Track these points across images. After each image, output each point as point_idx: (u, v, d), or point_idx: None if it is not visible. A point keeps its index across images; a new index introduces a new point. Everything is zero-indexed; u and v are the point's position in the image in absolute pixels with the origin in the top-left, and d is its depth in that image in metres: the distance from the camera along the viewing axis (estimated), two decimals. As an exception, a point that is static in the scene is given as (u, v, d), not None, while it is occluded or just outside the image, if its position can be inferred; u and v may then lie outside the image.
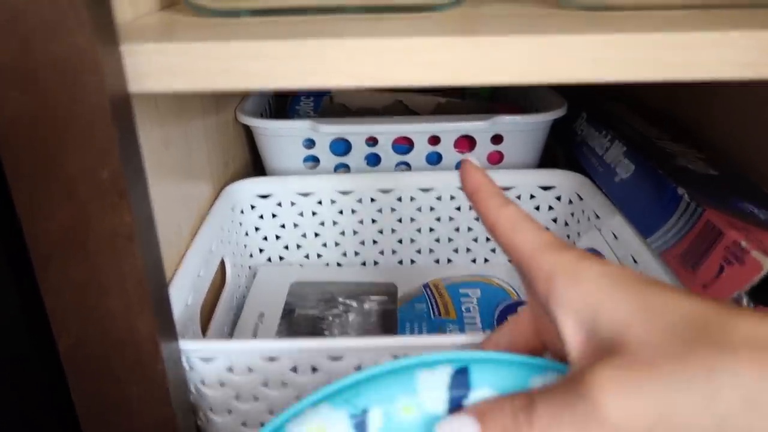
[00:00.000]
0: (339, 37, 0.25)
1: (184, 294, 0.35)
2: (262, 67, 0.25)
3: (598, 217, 0.46)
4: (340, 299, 0.46)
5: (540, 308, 0.24)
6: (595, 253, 0.44)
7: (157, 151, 0.36)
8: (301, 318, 0.44)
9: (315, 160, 0.54)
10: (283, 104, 0.65)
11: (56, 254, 0.25)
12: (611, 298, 0.21)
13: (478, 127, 0.52)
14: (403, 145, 0.54)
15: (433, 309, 0.44)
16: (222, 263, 0.46)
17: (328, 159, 0.54)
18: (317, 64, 0.25)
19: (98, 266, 0.25)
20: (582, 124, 0.55)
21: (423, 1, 0.32)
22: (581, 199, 0.49)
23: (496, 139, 0.54)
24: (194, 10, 0.31)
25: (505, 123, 0.52)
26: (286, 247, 0.52)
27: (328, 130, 0.51)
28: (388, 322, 0.44)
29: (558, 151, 0.63)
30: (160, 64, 0.25)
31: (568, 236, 0.51)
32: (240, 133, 0.57)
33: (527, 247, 0.24)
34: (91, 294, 0.26)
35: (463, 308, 0.44)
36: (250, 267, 0.52)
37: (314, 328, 0.43)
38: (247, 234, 0.51)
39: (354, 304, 0.46)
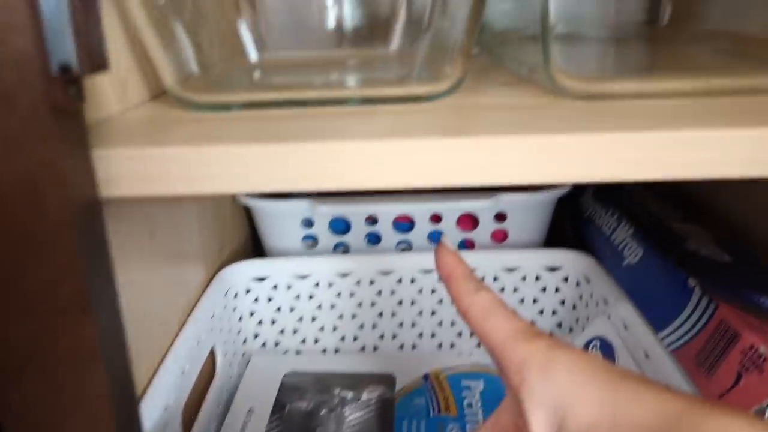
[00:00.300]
0: (322, 140, 0.24)
1: (163, 396, 0.33)
2: (239, 172, 0.24)
3: (606, 302, 0.44)
4: (336, 391, 0.44)
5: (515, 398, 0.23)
6: (604, 342, 0.41)
7: (141, 242, 0.34)
8: (293, 413, 0.42)
9: (314, 239, 0.53)
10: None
11: (13, 372, 0.23)
12: (582, 394, 0.20)
13: (481, 205, 0.50)
14: (404, 223, 0.53)
15: (432, 405, 0.42)
16: (212, 352, 0.44)
17: (327, 238, 0.52)
18: (299, 169, 0.24)
19: (58, 386, 0.23)
20: (588, 200, 0.54)
21: (418, 93, 0.32)
22: (589, 281, 0.47)
23: (500, 217, 0.52)
24: (181, 105, 0.31)
25: (509, 201, 0.50)
26: (282, 332, 0.50)
27: (326, 210, 0.50)
28: (386, 417, 0.41)
29: (566, 227, 0.61)
30: (133, 169, 0.24)
31: (577, 320, 0.49)
32: (238, 213, 0.56)
33: (499, 335, 0.24)
34: (49, 415, 0.24)
35: (465, 403, 0.42)
36: (243, 354, 0.49)
37: (307, 426, 0.41)
38: (241, 319, 0.49)
39: (350, 395, 0.44)
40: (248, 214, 0.58)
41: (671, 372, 0.34)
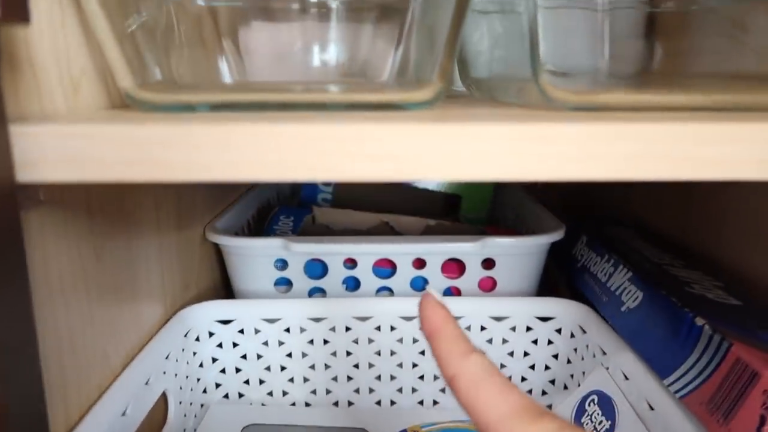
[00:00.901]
0: (273, 122, 0.21)
1: (93, 437, 0.29)
2: (180, 157, 0.21)
3: (604, 353, 0.40)
4: (301, 448, 0.39)
5: None
6: (602, 396, 0.37)
7: (83, 262, 0.31)
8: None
9: (288, 283, 0.49)
10: (265, 220, 0.62)
11: None
12: None
13: (467, 249, 0.47)
14: (386, 268, 0.49)
15: (408, 463, 0.37)
16: (165, 397, 0.39)
17: (302, 282, 0.49)
18: (245, 154, 0.21)
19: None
20: (582, 249, 0.50)
21: (399, 98, 0.29)
22: (584, 332, 0.43)
23: (488, 263, 0.49)
24: (140, 108, 0.28)
25: (497, 245, 0.47)
26: (247, 382, 0.46)
27: (302, 250, 0.46)
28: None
29: (558, 280, 0.58)
30: (56, 149, 0.21)
31: (572, 376, 0.44)
32: (209, 252, 0.53)
33: (493, 413, 0.19)
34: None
35: (445, 463, 0.37)
36: (202, 405, 0.44)
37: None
38: (201, 365, 0.44)
39: (317, 454, 0.39)
40: (220, 259, 0.55)
41: (680, 422, 0.30)
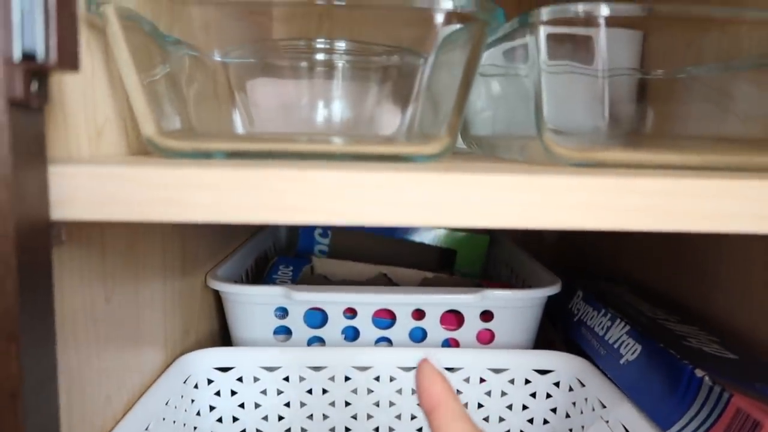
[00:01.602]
0: (300, 169, 0.22)
1: (94, 482, 0.28)
2: (206, 198, 0.22)
3: (604, 406, 0.40)
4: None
5: None
6: (603, 450, 0.37)
7: (93, 303, 0.31)
8: None
9: (287, 332, 0.49)
10: (264, 270, 0.62)
11: None
12: None
13: (467, 301, 0.48)
14: (385, 318, 0.49)
15: None
16: (162, 447, 0.38)
17: (301, 331, 0.49)
18: (269, 197, 0.22)
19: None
20: (578, 303, 0.51)
21: (406, 152, 0.30)
22: (583, 385, 0.43)
23: (486, 315, 0.49)
24: (161, 154, 0.29)
25: (496, 298, 0.48)
26: (244, 432, 0.45)
27: (302, 298, 0.47)
28: None
29: (554, 336, 0.58)
30: (89, 189, 0.22)
31: (570, 430, 0.44)
32: (209, 298, 0.53)
33: None
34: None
35: None
36: (198, 455, 0.44)
37: None
38: (199, 413, 0.44)
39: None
40: (220, 307, 0.55)
41: (684, 475, 0.30)
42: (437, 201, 0.22)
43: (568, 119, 0.34)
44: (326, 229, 0.72)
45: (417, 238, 0.73)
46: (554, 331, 0.58)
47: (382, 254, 0.70)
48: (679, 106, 0.37)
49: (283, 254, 0.77)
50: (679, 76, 0.38)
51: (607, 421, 0.39)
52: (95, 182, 0.22)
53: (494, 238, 0.74)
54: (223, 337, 0.55)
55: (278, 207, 0.22)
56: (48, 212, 0.21)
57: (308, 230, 0.72)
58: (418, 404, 0.23)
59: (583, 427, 0.43)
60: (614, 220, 0.23)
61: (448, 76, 0.31)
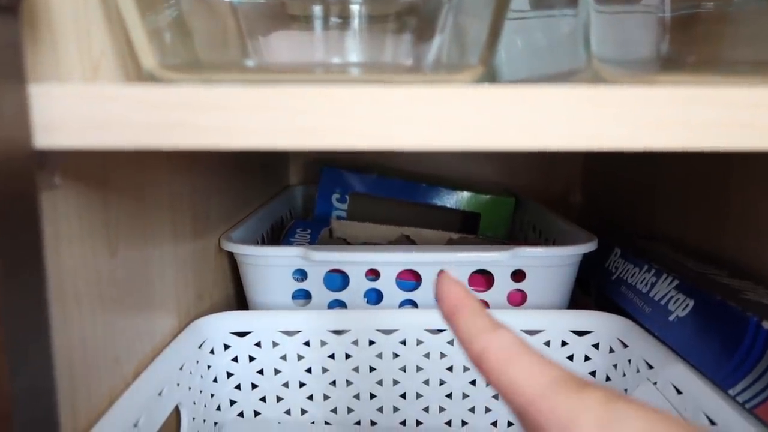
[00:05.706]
0: (319, 85, 0.19)
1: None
2: (215, 121, 0.19)
3: (650, 367, 0.37)
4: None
5: None
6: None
7: (95, 256, 0.28)
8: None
9: (306, 296, 0.46)
10: (279, 237, 0.59)
11: None
12: None
13: (497, 260, 0.44)
14: (410, 281, 0.46)
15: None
16: (178, 411, 0.36)
17: (321, 295, 0.46)
18: (286, 119, 0.19)
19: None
20: (616, 261, 0.48)
21: (435, 80, 0.27)
22: (626, 346, 0.40)
23: (518, 275, 0.46)
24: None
25: (528, 255, 0.45)
26: (263, 400, 0.43)
27: (322, 258, 0.44)
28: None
29: (585, 300, 0.55)
30: (80, 111, 0.19)
31: (612, 394, 0.41)
32: (224, 263, 0.50)
33: (530, 384, 0.17)
34: None
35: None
36: (215, 423, 0.41)
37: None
38: (216, 380, 0.42)
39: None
40: (235, 271, 0.52)
41: (752, 436, 0.27)
42: (488, 119, 0.19)
43: (619, 50, 0.31)
44: (344, 194, 0.69)
45: (438, 201, 0.70)
46: (584, 294, 0.55)
47: (402, 219, 0.67)
48: (728, 35, 0.34)
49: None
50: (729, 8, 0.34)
51: (655, 383, 0.36)
52: (86, 103, 0.19)
53: (518, 199, 0.70)
54: (240, 304, 0.53)
55: (298, 129, 0.19)
56: (30, 139, 0.19)
57: (325, 195, 0.69)
58: (437, 307, 0.21)
59: (626, 390, 0.40)
60: (688, 138, 0.20)
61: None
